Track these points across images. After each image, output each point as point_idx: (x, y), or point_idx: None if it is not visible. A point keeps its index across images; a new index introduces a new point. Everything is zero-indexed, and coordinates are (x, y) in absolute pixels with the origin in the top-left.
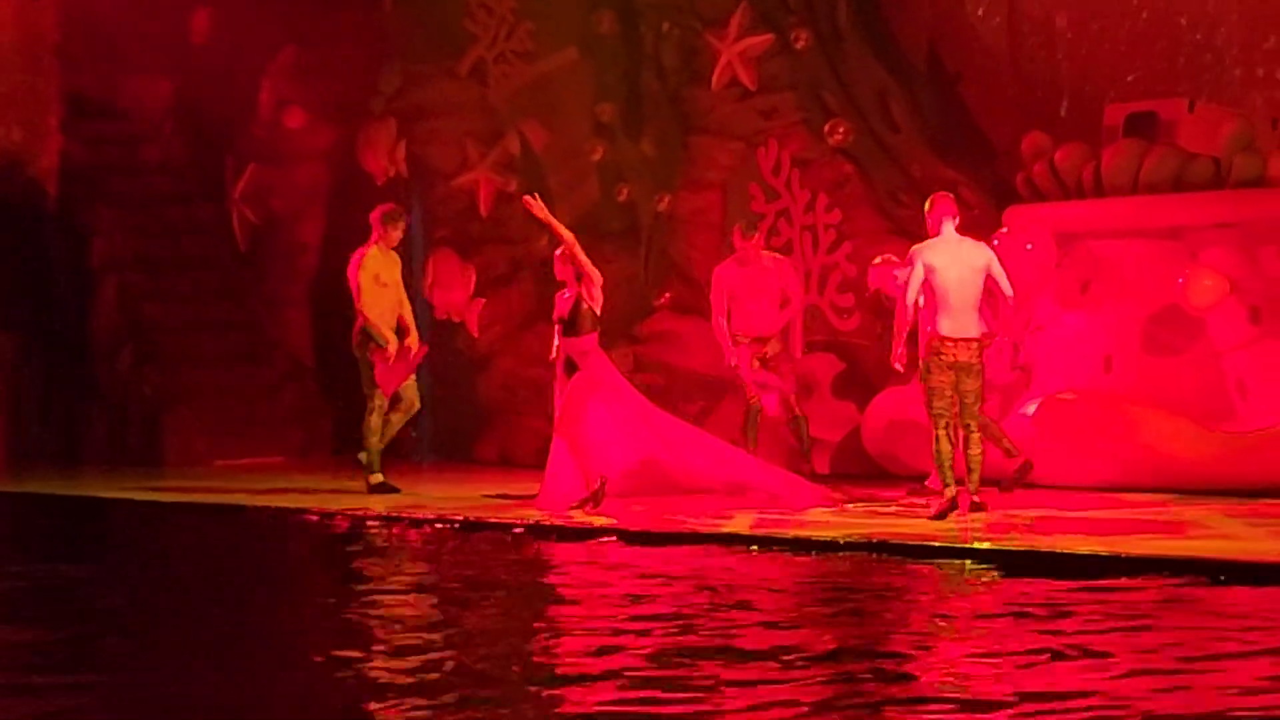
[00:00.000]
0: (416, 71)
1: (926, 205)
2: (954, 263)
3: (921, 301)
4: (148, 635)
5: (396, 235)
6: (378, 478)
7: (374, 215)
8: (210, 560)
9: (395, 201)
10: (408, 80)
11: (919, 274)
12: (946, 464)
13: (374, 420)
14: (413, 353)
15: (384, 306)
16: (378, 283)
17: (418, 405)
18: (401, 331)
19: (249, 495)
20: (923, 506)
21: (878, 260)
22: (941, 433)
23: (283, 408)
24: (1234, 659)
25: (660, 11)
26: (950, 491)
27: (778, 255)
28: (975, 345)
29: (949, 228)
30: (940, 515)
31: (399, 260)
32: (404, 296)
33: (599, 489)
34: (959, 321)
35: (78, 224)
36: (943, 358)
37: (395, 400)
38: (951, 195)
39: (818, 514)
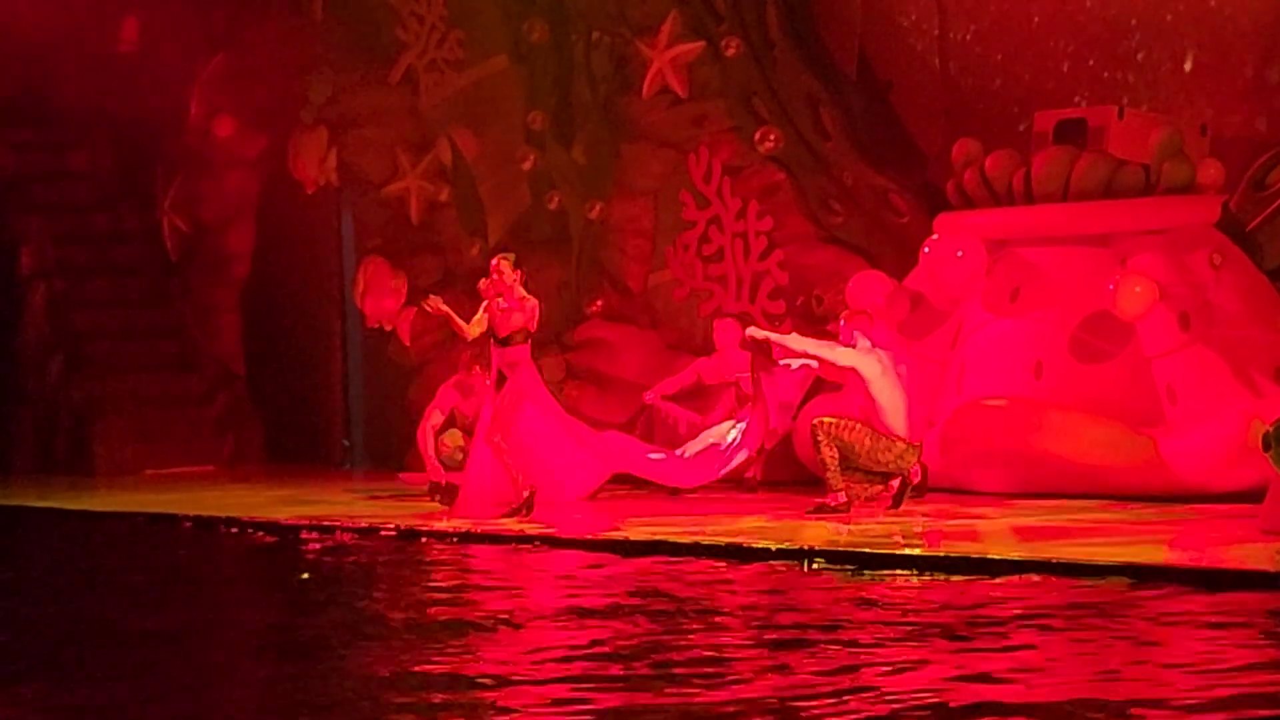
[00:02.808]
0: (347, 80)
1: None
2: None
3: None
4: None
5: None
6: None
7: None
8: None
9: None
10: (338, 89)
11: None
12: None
13: None
14: None
15: None
16: None
17: None
18: None
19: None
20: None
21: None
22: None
23: (213, 416)
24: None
25: (591, 20)
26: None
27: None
28: None
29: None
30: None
31: None
32: None
33: (529, 498)
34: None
35: (6, 232)
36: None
37: None
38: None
39: (756, 522)
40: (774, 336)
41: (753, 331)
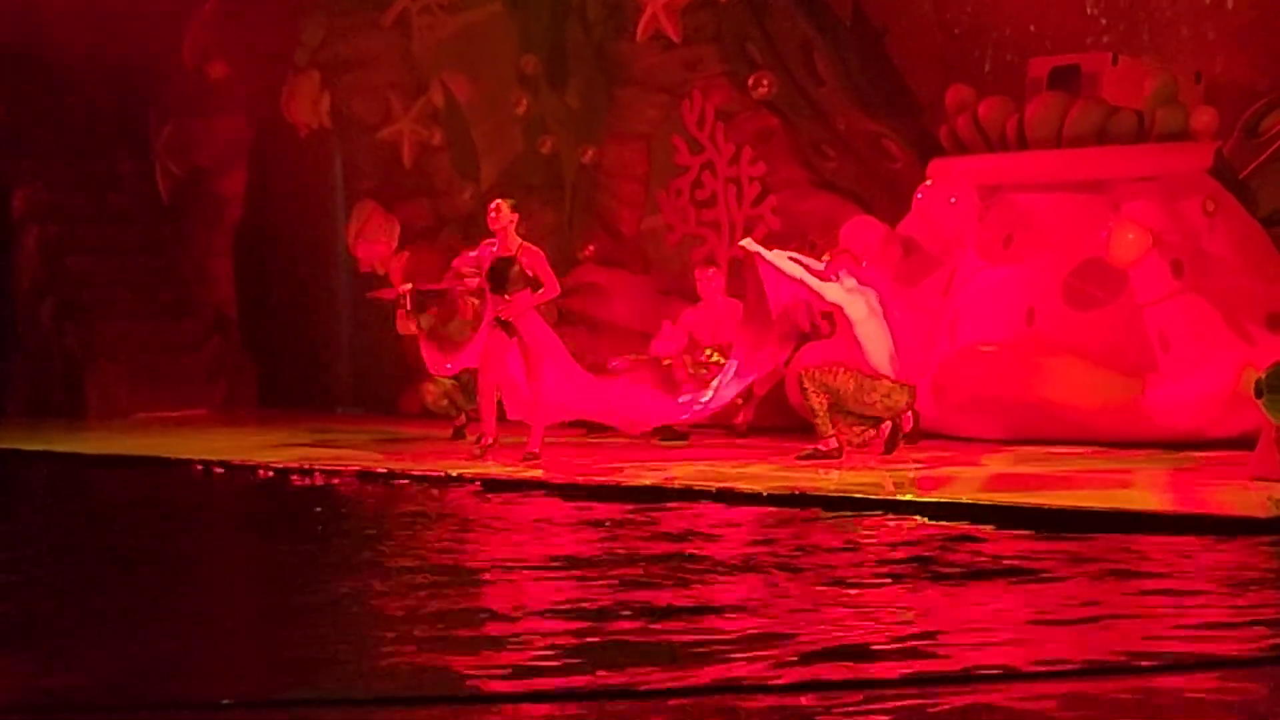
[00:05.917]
0: (340, 23)
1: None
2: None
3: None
4: None
5: None
6: None
7: None
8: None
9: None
10: (331, 32)
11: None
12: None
13: None
14: None
15: None
16: None
17: None
18: None
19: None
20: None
21: None
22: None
23: (206, 360)
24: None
25: None
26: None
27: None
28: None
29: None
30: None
31: None
32: None
33: (490, 444)
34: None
35: None
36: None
37: None
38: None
39: (758, 468)
40: (766, 254)
41: (747, 244)
